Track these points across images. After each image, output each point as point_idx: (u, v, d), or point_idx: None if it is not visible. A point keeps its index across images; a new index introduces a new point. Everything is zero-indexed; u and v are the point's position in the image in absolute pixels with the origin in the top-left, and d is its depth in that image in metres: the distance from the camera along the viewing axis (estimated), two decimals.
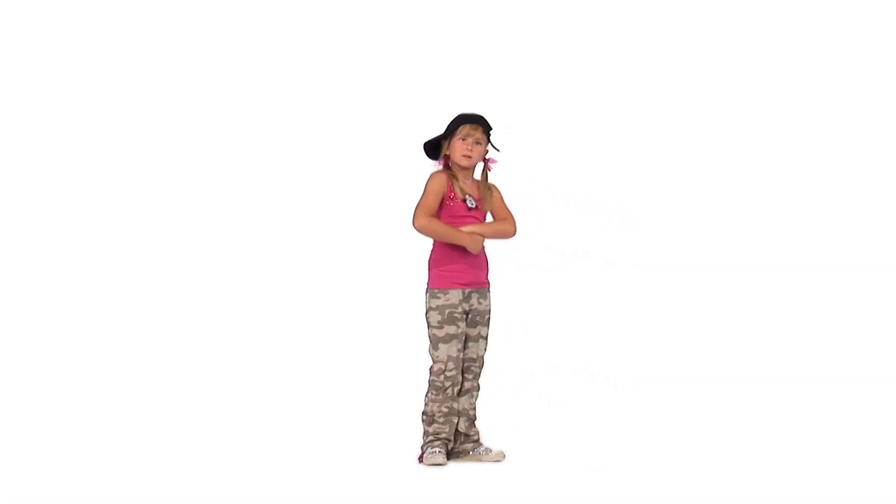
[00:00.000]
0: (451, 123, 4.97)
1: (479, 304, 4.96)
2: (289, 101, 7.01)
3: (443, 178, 4.93)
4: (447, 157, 4.97)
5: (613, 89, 6.89)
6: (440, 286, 4.93)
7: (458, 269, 4.92)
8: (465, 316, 4.93)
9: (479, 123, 4.96)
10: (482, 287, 4.98)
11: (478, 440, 4.92)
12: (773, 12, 6.92)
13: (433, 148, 5.02)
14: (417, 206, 4.93)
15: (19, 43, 6.99)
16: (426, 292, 4.96)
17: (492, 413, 5.27)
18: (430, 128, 4.98)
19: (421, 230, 4.91)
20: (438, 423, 4.86)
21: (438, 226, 4.89)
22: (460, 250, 4.92)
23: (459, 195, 4.93)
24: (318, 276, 6.92)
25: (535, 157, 6.79)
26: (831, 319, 6.68)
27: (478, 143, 4.94)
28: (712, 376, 6.30)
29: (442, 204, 4.92)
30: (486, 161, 5.04)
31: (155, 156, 6.99)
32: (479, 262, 4.97)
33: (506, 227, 5.00)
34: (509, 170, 5.06)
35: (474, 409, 4.95)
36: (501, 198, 5.04)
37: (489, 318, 5.02)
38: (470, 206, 4.92)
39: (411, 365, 5.44)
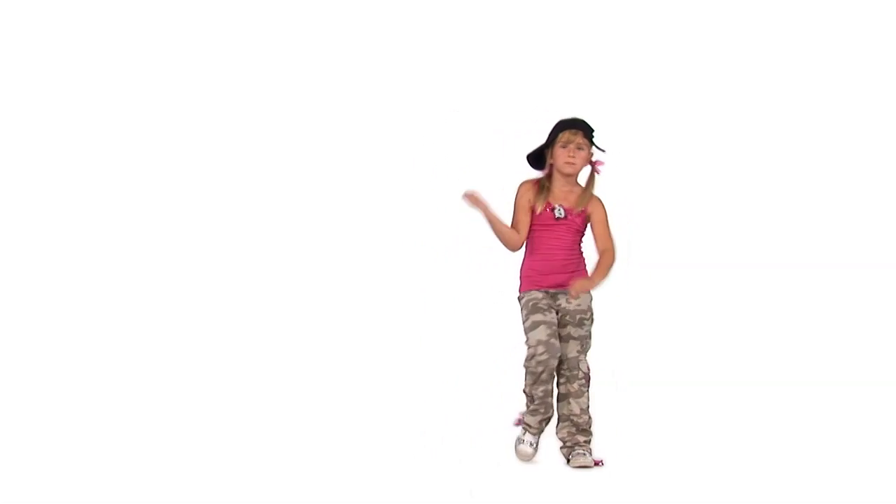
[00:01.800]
0: (551, 131, 4.86)
1: (569, 303, 4.84)
2: (295, 101, 7.00)
3: (527, 187, 4.87)
4: (551, 167, 4.87)
5: (613, 88, 6.88)
6: (524, 289, 4.89)
7: (538, 271, 4.85)
8: (553, 311, 4.82)
9: (578, 128, 4.83)
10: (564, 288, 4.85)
11: (571, 446, 4.78)
12: (772, 12, 6.91)
13: (537, 158, 4.91)
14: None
15: (19, 43, 6.99)
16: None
17: (491, 413, 5.28)
18: (428, 127, 4.93)
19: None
20: (535, 403, 4.79)
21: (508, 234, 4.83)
22: (541, 255, 4.84)
23: (541, 205, 4.80)
24: (333, 275, 6.92)
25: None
26: (831, 319, 6.67)
27: (580, 148, 4.81)
28: (712, 376, 6.30)
29: (533, 212, 4.85)
30: (592, 164, 4.89)
31: (155, 157, 6.99)
32: (564, 265, 4.86)
33: (604, 261, 4.86)
34: (513, 170, 5.03)
35: (577, 416, 4.81)
36: (605, 216, 4.90)
37: (583, 319, 4.87)
38: (557, 215, 4.84)
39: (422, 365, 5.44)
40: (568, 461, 4.72)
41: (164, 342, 6.66)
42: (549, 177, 4.89)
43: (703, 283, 6.81)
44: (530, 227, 4.88)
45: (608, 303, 7.02)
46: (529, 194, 4.86)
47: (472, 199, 4.74)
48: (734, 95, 6.92)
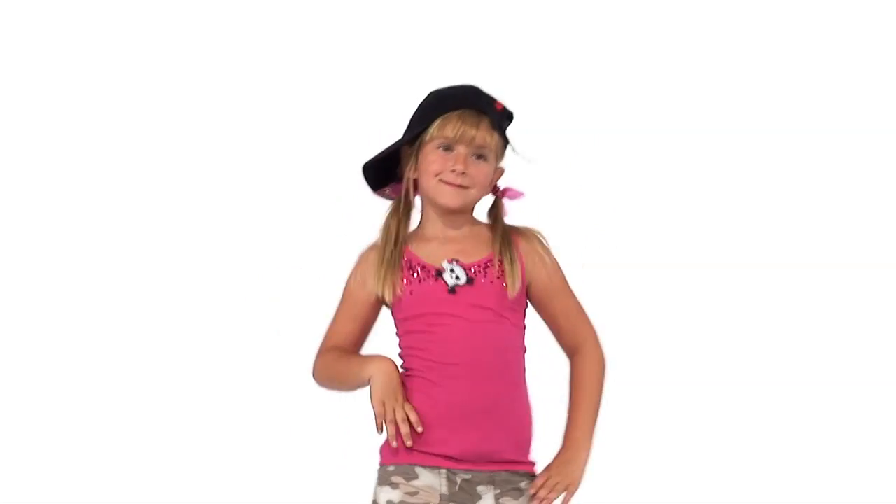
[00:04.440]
0: (417, 116, 2.67)
1: None
2: (285, 102, 6.96)
3: (371, 258, 2.69)
4: (411, 187, 2.68)
5: (609, 85, 6.88)
6: (396, 460, 2.59)
7: (437, 424, 2.56)
8: None
9: (477, 108, 2.58)
10: (501, 470, 2.59)
11: None
12: (769, 11, 6.92)
13: (381, 172, 2.70)
14: (322, 338, 2.79)
15: (19, 43, 6.99)
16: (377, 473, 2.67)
17: None
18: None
19: (315, 379, 2.74)
20: None
21: (330, 362, 2.68)
22: (427, 381, 2.58)
23: (426, 264, 2.63)
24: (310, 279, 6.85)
25: (532, 156, 6.73)
26: (830, 320, 6.67)
27: (479, 155, 2.61)
28: (711, 376, 6.30)
29: (397, 299, 2.65)
30: (498, 193, 2.74)
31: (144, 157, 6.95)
32: (485, 401, 2.57)
33: (589, 378, 2.72)
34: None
35: None
36: (559, 270, 2.71)
37: None
38: (452, 282, 2.61)
39: None
40: None
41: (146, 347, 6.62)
42: (404, 208, 2.71)
43: (701, 283, 6.80)
44: (396, 320, 2.70)
45: (607, 303, 7.03)
46: (372, 264, 2.66)
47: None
48: (733, 92, 6.91)
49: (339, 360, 2.67)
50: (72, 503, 4.74)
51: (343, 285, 2.74)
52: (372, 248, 2.73)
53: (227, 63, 6.30)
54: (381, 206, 2.83)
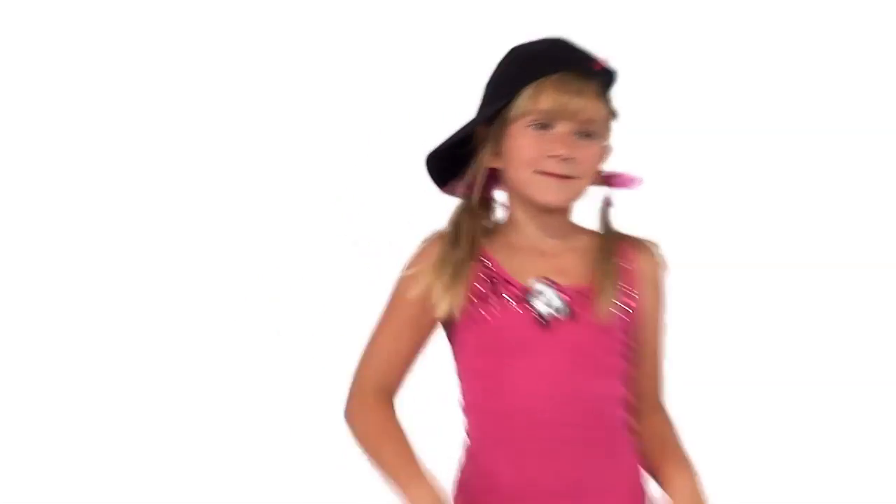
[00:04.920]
0: (497, 82, 2.02)
1: None
2: (285, 102, 6.94)
3: (435, 257, 2.00)
4: (490, 177, 2.06)
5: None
6: None
7: (489, 491, 2.03)
8: None
9: (582, 70, 2.00)
10: None
11: None
12: (771, 12, 6.90)
13: (448, 160, 2.02)
14: (361, 357, 2.13)
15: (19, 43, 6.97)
16: None
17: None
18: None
19: (350, 427, 2.18)
20: None
21: (373, 437, 2.10)
22: (515, 454, 1.97)
23: (511, 279, 2.00)
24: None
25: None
26: (831, 320, 6.66)
27: (586, 134, 2.04)
28: (713, 377, 6.29)
29: (462, 321, 2.00)
30: (610, 180, 2.19)
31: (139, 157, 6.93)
32: (574, 492, 2.02)
33: (674, 431, 2.18)
34: None
35: None
36: (659, 306, 2.13)
37: None
38: (545, 309, 2.01)
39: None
40: None
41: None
42: (485, 206, 2.08)
43: (700, 283, 6.79)
44: (457, 349, 2.06)
45: None
46: (430, 274, 1.98)
47: None
48: (734, 94, 6.90)
49: (383, 447, 2.07)
50: (72, 503, 4.73)
51: (394, 284, 2.04)
52: (438, 239, 2.03)
53: (226, 62, 6.26)
54: (381, 207, 2.76)
